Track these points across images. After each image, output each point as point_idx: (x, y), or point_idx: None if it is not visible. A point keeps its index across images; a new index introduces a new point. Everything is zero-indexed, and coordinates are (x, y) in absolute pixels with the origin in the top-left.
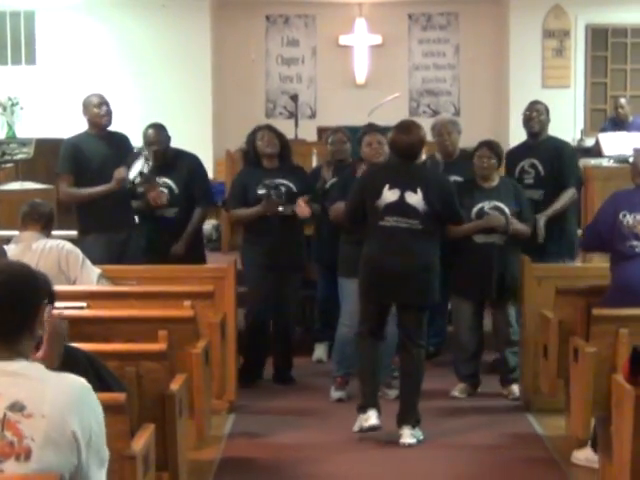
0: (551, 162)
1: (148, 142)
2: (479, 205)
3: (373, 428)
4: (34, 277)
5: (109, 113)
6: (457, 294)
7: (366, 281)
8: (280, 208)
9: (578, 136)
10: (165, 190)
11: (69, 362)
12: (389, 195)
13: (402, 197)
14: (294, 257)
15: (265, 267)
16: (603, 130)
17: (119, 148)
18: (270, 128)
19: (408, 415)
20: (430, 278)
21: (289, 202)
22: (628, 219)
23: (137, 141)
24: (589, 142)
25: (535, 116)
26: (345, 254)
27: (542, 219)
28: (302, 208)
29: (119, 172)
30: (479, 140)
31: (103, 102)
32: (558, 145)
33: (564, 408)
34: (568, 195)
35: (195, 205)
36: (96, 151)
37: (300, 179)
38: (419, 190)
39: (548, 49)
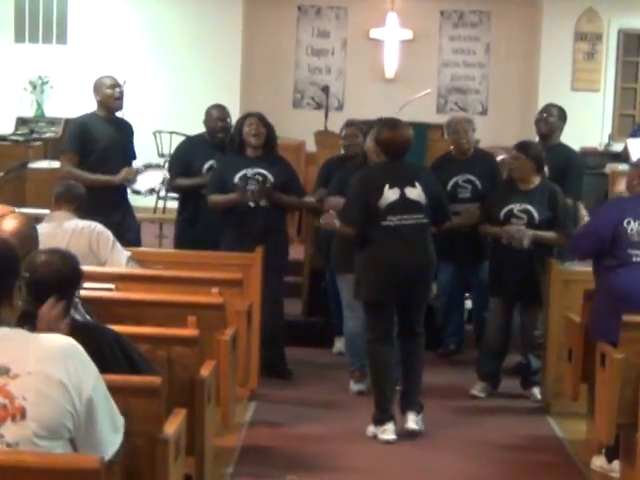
0: (559, 168)
1: (217, 119)
2: (509, 206)
3: (389, 442)
4: (11, 248)
5: (121, 96)
6: (492, 294)
7: (379, 285)
8: (251, 204)
9: (606, 141)
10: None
11: (96, 340)
12: (390, 194)
13: (403, 194)
14: (272, 246)
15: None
16: (633, 135)
17: (124, 134)
18: (260, 117)
19: (412, 401)
20: (433, 273)
21: (265, 194)
22: (632, 226)
23: (162, 125)
24: (617, 147)
25: (545, 117)
26: (337, 251)
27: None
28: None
29: (128, 171)
30: (504, 139)
31: (116, 84)
32: (569, 154)
33: (586, 412)
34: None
35: None
36: (104, 133)
37: (281, 170)
38: (417, 184)
39: (579, 52)
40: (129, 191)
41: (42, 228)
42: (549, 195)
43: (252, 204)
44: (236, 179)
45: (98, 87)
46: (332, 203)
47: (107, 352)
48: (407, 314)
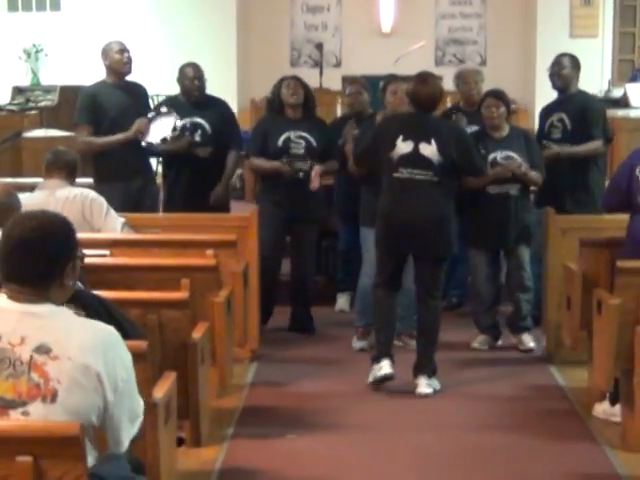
0: (578, 117)
1: (192, 78)
2: (492, 155)
3: (386, 377)
4: (68, 227)
5: (130, 60)
6: (474, 245)
7: (381, 232)
8: (300, 174)
9: (606, 87)
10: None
11: (79, 304)
12: (403, 146)
13: (416, 148)
14: (309, 209)
15: (278, 218)
16: (632, 80)
17: (137, 98)
18: (297, 79)
19: (425, 365)
20: (445, 230)
21: (308, 157)
22: None
23: (160, 88)
24: (617, 93)
25: (556, 71)
26: (366, 204)
27: (553, 149)
28: (314, 182)
29: (140, 123)
30: (503, 89)
31: (125, 49)
32: (585, 100)
33: (587, 360)
34: (592, 145)
35: (228, 149)
36: (114, 100)
37: (321, 134)
38: (433, 141)
39: None
40: (144, 144)
41: (34, 197)
42: (525, 139)
43: (301, 174)
44: (280, 142)
45: (106, 52)
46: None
47: (92, 317)
48: (421, 272)
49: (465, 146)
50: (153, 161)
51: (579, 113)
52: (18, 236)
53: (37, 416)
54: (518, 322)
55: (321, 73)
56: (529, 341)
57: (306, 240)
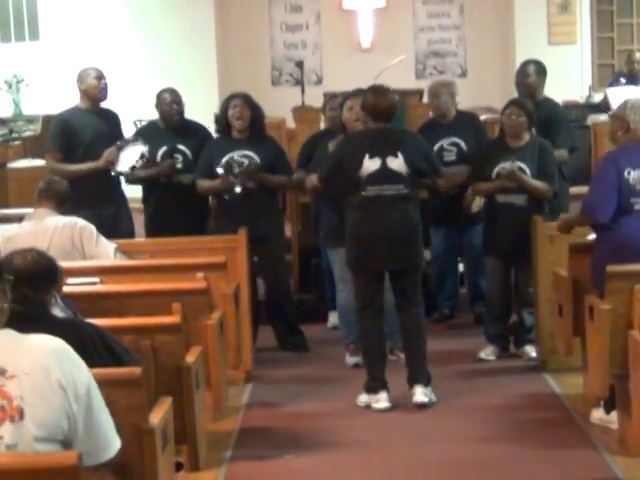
0: (544, 124)
1: (170, 102)
2: (501, 164)
3: (383, 411)
4: None
5: (106, 87)
6: (487, 253)
7: (359, 253)
8: (237, 189)
9: (586, 92)
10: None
11: (76, 335)
12: (370, 164)
13: (384, 164)
14: (265, 226)
15: None
16: (612, 85)
17: (110, 124)
18: (245, 98)
19: (419, 374)
20: (418, 239)
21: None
22: (633, 175)
23: (140, 114)
24: (598, 98)
25: (521, 80)
26: (328, 224)
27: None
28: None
29: (109, 153)
30: (485, 99)
31: (102, 76)
32: (550, 108)
33: (581, 367)
34: (558, 155)
35: None
36: (88, 126)
37: (267, 151)
38: (399, 154)
39: (553, 5)
40: (122, 181)
41: (23, 227)
42: (539, 150)
43: (239, 189)
44: (222, 162)
45: (83, 77)
46: (312, 182)
47: (90, 347)
48: (398, 284)
49: (426, 149)
50: (136, 186)
51: (545, 121)
52: None
53: (11, 438)
54: (522, 334)
55: (303, 91)
56: (531, 351)
57: (272, 257)
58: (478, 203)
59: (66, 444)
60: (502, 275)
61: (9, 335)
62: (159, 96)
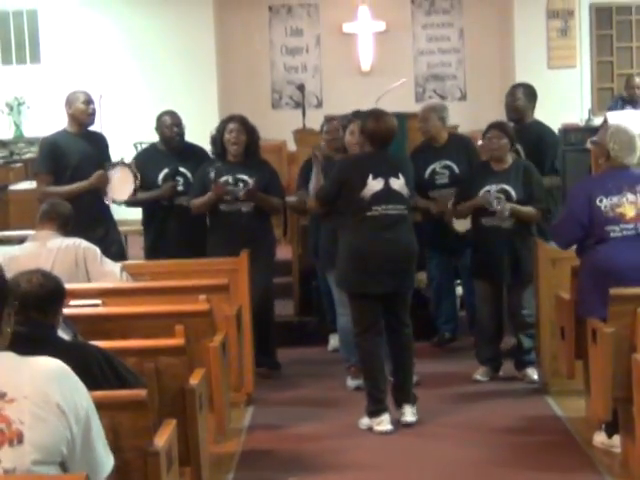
0: (532, 147)
1: (170, 125)
2: (486, 188)
3: (386, 433)
4: (1, 274)
5: (94, 112)
6: (475, 277)
7: (359, 276)
8: (227, 196)
9: (586, 116)
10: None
11: (82, 358)
12: (374, 184)
13: (387, 184)
14: (257, 247)
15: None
16: (612, 109)
17: (98, 147)
18: (242, 122)
19: (408, 394)
20: (415, 262)
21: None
22: (605, 203)
23: (142, 136)
24: (597, 121)
25: (510, 102)
26: (325, 248)
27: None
28: (244, 192)
29: (99, 175)
30: (484, 123)
31: (90, 100)
32: (539, 131)
33: (583, 390)
34: (547, 181)
35: None
36: (75, 149)
37: (261, 174)
38: (400, 175)
39: (553, 29)
40: (111, 205)
41: (25, 248)
42: (524, 173)
43: (228, 197)
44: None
45: (71, 101)
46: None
47: (96, 370)
48: (392, 306)
49: (413, 174)
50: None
51: (533, 143)
52: None
53: (9, 462)
54: (521, 357)
55: (304, 114)
56: (533, 374)
57: (260, 277)
58: (464, 224)
59: (63, 466)
60: (493, 299)
61: (9, 358)
62: (159, 118)
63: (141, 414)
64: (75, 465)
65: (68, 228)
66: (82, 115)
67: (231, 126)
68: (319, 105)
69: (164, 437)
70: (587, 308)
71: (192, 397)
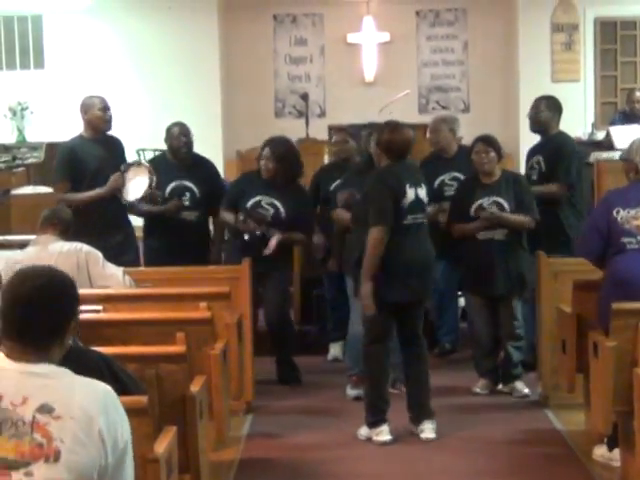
0: (552, 159)
1: (178, 135)
2: (479, 202)
3: (386, 444)
4: (71, 285)
5: (111, 119)
6: (467, 290)
7: (387, 285)
8: (257, 232)
9: (589, 130)
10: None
11: (83, 363)
12: (410, 193)
13: (417, 194)
14: (274, 262)
15: None
16: (613, 123)
17: (114, 152)
18: (274, 151)
19: (427, 409)
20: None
21: (273, 226)
22: (622, 215)
23: (145, 143)
24: (600, 135)
25: (533, 114)
26: (349, 253)
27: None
28: (271, 245)
29: (115, 179)
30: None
31: (107, 107)
32: (559, 143)
33: (583, 403)
34: (548, 188)
35: (213, 210)
36: (92, 154)
37: (293, 203)
38: (423, 184)
39: (557, 43)
40: (124, 202)
41: (27, 253)
42: (513, 183)
43: (258, 232)
44: (249, 205)
45: (88, 107)
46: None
47: (96, 375)
48: (409, 316)
49: None
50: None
51: (553, 155)
52: (26, 293)
53: (40, 477)
54: (509, 370)
55: (307, 123)
56: (522, 387)
57: (277, 290)
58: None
59: None
60: (488, 312)
61: (65, 375)
62: (168, 130)
63: (142, 421)
64: None
65: (69, 234)
66: (99, 122)
67: (265, 152)
68: (322, 115)
69: (164, 444)
70: (605, 319)
71: (192, 404)
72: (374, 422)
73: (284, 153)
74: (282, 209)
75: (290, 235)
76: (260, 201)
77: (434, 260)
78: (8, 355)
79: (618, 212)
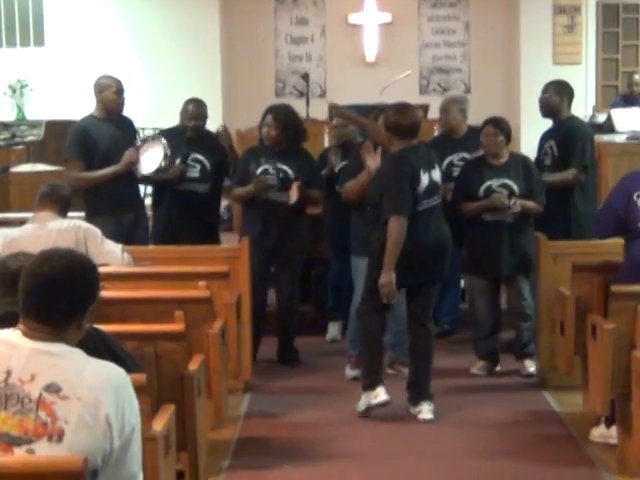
0: (564, 144)
1: (190, 116)
2: (487, 183)
3: (384, 404)
4: (93, 269)
5: (124, 102)
6: (470, 272)
7: (405, 268)
8: (272, 183)
9: (590, 112)
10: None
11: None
12: (425, 179)
13: (431, 177)
14: (292, 239)
15: (262, 248)
16: (613, 106)
17: (127, 131)
18: (276, 117)
19: (426, 391)
20: (449, 252)
21: (285, 188)
22: None
23: (145, 121)
24: (601, 118)
25: (541, 99)
26: (357, 233)
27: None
28: (292, 194)
29: (129, 154)
30: (488, 117)
31: (122, 89)
32: (570, 127)
33: (581, 385)
34: (564, 175)
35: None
36: (105, 134)
37: (301, 166)
38: (436, 165)
39: (559, 25)
40: (141, 187)
41: (25, 230)
42: (523, 167)
43: (268, 194)
44: (258, 173)
45: (103, 88)
46: (348, 193)
47: (92, 350)
48: (421, 298)
49: None
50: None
51: (564, 140)
52: (47, 274)
53: (41, 455)
54: (521, 349)
55: (307, 103)
56: (530, 366)
57: (289, 271)
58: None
59: (94, 474)
60: (489, 294)
61: (77, 355)
62: (184, 106)
63: (140, 399)
64: (105, 476)
65: (67, 211)
66: (112, 104)
67: (267, 119)
68: (323, 95)
69: (162, 422)
70: None
71: (190, 383)
72: (369, 385)
73: (287, 119)
74: (290, 172)
75: (306, 190)
76: (267, 170)
77: (450, 241)
78: (25, 333)
79: (639, 196)
